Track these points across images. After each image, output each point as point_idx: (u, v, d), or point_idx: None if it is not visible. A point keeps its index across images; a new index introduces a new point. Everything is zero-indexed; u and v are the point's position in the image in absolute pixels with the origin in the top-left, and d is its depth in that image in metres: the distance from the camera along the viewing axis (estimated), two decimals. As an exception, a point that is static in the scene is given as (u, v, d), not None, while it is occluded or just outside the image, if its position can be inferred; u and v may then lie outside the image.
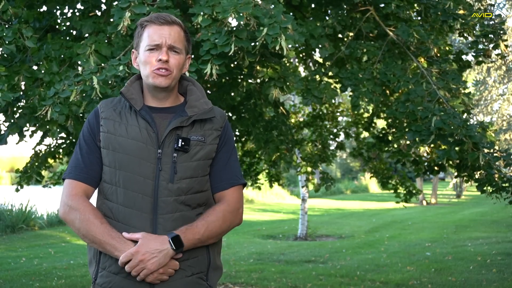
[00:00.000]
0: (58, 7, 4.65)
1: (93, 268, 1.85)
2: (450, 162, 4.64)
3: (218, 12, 3.21)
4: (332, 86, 4.85)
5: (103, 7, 4.83)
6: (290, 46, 3.18)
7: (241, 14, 3.13)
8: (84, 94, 3.45)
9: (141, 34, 1.88)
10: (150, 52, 1.84)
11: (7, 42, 3.52)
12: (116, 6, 3.46)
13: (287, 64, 5.02)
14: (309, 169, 6.77)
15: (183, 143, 1.81)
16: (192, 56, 3.02)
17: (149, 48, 1.84)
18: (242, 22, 3.16)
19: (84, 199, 1.82)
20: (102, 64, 3.55)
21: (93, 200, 1.90)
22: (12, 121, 4.60)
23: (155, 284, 1.76)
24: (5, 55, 4.06)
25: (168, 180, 1.79)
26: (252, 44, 3.42)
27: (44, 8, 4.70)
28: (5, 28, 3.53)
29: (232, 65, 4.72)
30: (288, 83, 4.31)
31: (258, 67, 4.53)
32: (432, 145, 5.05)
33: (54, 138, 5.76)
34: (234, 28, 3.32)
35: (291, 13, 5.33)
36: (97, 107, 1.94)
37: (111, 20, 4.37)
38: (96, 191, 1.91)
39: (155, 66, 1.83)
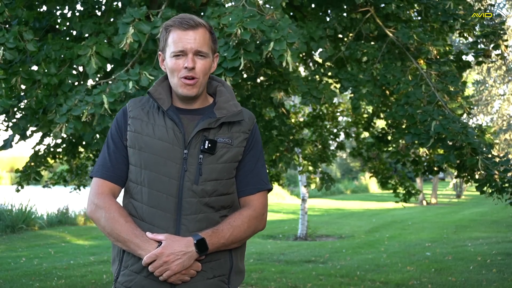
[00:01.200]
0: (58, 7, 4.64)
1: (116, 266, 1.85)
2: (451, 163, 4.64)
3: (224, 23, 3.21)
4: (332, 86, 4.85)
5: (103, 7, 4.83)
6: (296, 61, 3.19)
7: (247, 29, 3.12)
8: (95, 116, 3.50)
9: (166, 38, 1.85)
10: (176, 58, 1.82)
11: (8, 48, 3.50)
12: (120, 20, 3.47)
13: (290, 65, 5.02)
14: (310, 168, 6.76)
15: (209, 145, 1.80)
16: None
17: (175, 55, 1.81)
18: (248, 39, 3.16)
19: (110, 198, 1.83)
20: (112, 77, 3.56)
21: (120, 198, 1.90)
22: (13, 121, 4.59)
23: (176, 285, 1.76)
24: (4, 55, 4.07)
25: (193, 181, 1.79)
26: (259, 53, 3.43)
27: (44, 8, 4.69)
28: (5, 32, 3.51)
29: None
30: (291, 86, 4.30)
31: (261, 70, 4.53)
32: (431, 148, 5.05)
33: (54, 140, 5.75)
34: (242, 39, 3.31)
35: (291, 13, 5.34)
36: (126, 106, 1.93)
37: (111, 20, 4.37)
38: (123, 190, 1.91)
39: (182, 74, 1.81)
